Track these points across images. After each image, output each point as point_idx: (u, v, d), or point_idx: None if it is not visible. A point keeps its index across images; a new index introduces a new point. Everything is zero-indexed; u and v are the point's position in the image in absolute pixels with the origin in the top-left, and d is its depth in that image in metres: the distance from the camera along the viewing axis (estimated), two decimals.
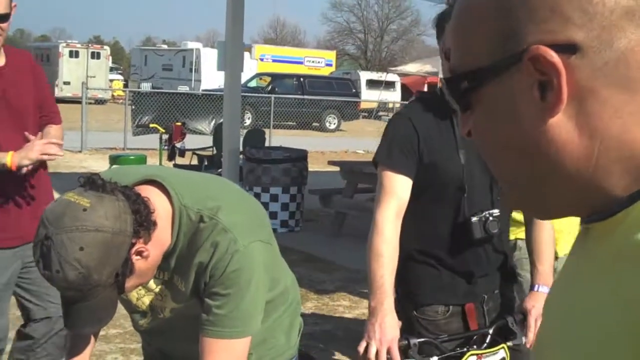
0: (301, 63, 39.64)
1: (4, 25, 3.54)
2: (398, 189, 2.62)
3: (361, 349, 2.44)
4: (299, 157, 9.65)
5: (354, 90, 28.92)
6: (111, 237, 1.84)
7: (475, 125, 0.89)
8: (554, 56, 0.78)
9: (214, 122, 18.90)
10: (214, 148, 12.24)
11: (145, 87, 33.28)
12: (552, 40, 0.79)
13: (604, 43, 0.78)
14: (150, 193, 2.00)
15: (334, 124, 27.17)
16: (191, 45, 35.99)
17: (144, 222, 1.93)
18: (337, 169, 9.67)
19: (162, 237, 2.02)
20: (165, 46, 44.73)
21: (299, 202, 9.53)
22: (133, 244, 1.91)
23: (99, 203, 1.85)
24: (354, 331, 5.86)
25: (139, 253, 1.94)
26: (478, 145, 0.91)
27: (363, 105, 30.57)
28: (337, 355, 5.33)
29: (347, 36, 63.50)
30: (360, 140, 22.97)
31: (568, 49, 0.78)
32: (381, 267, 2.53)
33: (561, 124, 0.80)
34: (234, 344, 2.04)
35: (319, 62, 41.20)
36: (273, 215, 9.33)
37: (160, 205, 2.01)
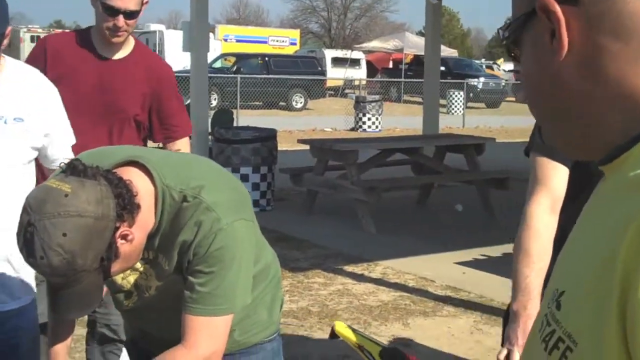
0: (265, 42, 39.46)
1: (131, 22, 3.47)
2: (553, 179, 2.36)
3: (502, 356, 2.23)
4: (268, 136, 9.65)
5: (319, 69, 28.86)
6: (94, 221, 1.85)
7: (521, 70, 1.02)
8: (555, 6, 0.90)
9: None
10: None
11: None
12: None
13: None
14: (132, 175, 2.01)
15: (301, 102, 27.14)
16: (154, 27, 35.62)
17: (127, 205, 1.93)
18: (306, 147, 9.69)
19: (146, 219, 2.02)
20: None
21: (269, 182, 9.54)
22: (117, 228, 1.91)
23: (80, 188, 1.86)
24: (329, 307, 5.91)
25: (124, 237, 1.95)
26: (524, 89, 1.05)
27: (329, 83, 30.55)
28: (314, 330, 5.38)
29: (310, 14, 63.33)
30: (327, 118, 22.99)
31: (569, 0, 0.90)
32: (527, 267, 2.27)
33: (568, 67, 0.92)
34: (216, 321, 2.06)
35: (283, 41, 41.04)
36: None
37: (142, 186, 2.01)
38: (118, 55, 3.59)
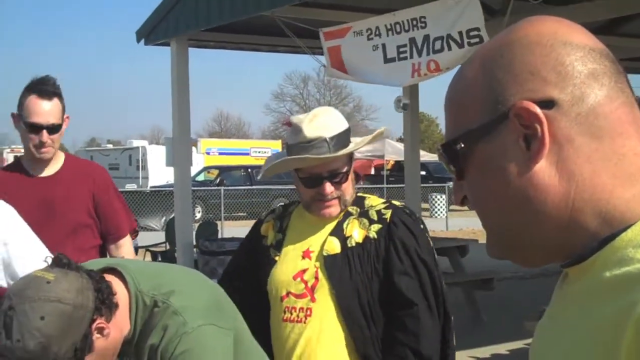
0: (247, 154, 39.77)
1: (55, 136, 3.60)
2: None
3: None
4: None
5: None
6: (72, 309, 1.90)
7: (469, 187, 1.01)
8: (537, 108, 0.92)
9: (164, 218, 18.85)
10: (167, 243, 12.23)
11: None
12: (533, 97, 0.93)
13: (576, 98, 0.93)
14: (110, 280, 2.07)
15: None
16: (136, 143, 35.99)
17: (105, 300, 1.98)
18: None
19: (121, 321, 2.07)
20: (110, 145, 44.71)
21: None
22: (94, 320, 1.95)
23: (63, 277, 1.92)
24: None
25: (100, 330, 1.98)
26: (473, 206, 1.03)
27: None
28: None
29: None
30: None
31: (547, 104, 0.93)
32: None
33: (544, 170, 0.93)
34: None
35: (265, 152, 41.30)
36: None
37: (119, 291, 2.07)
38: (50, 172, 3.71)
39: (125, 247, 3.88)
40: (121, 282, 2.10)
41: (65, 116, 3.68)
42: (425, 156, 31.36)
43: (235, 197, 24.26)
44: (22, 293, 1.89)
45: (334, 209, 2.62)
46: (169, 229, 11.81)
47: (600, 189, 0.92)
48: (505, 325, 7.90)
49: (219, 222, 15.88)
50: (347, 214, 2.65)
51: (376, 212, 2.63)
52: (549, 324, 1.01)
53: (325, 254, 2.58)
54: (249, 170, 28.33)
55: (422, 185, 15.38)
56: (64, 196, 3.69)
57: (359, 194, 2.75)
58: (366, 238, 2.58)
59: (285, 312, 2.63)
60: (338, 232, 2.61)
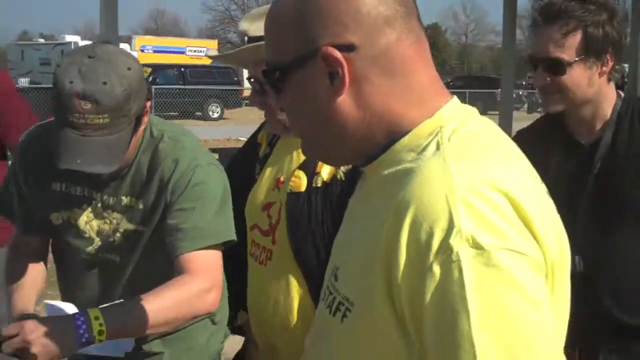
0: (183, 53, 39.18)
1: None
2: None
3: None
4: None
5: (235, 79, 28.89)
6: (141, 75, 1.96)
7: (285, 103, 1.22)
8: (337, 54, 1.12)
9: None
10: None
11: (23, 82, 32.45)
12: (336, 42, 1.12)
13: (372, 42, 1.12)
14: None
15: (217, 112, 27.20)
16: (69, 38, 35.09)
17: (149, 89, 2.03)
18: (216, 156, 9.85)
19: (139, 134, 2.06)
20: (42, 40, 43.59)
21: None
22: (148, 98, 2.01)
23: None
24: None
25: (146, 113, 2.02)
26: (288, 118, 1.25)
27: (246, 93, 30.59)
28: None
29: (228, 24, 63.20)
30: (243, 128, 23.01)
31: (347, 47, 1.12)
32: None
33: (345, 101, 1.13)
34: (207, 255, 2.00)
35: (201, 51, 40.88)
36: None
37: None
38: None
39: None
40: None
41: None
42: None
43: (168, 96, 24.11)
44: (102, 47, 1.90)
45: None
46: None
47: (392, 114, 1.14)
48: None
49: None
50: None
51: None
52: (351, 209, 1.28)
53: (289, 190, 2.13)
54: (182, 69, 28.08)
55: None
56: None
57: None
58: (334, 178, 2.08)
59: (252, 246, 2.25)
60: (309, 165, 2.11)
